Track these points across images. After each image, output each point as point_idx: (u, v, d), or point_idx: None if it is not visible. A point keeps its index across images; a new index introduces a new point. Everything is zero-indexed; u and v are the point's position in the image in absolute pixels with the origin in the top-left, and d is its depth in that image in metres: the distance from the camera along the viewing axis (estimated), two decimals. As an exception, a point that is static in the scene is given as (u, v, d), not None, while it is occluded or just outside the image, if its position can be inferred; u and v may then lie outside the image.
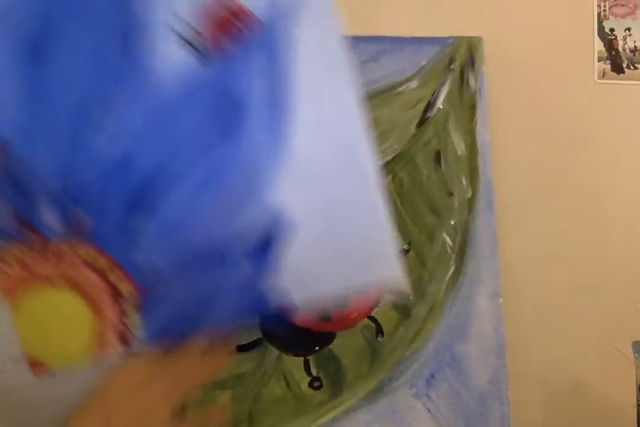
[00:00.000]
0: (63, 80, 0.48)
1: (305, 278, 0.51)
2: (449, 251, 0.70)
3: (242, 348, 0.69)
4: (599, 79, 0.74)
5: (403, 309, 0.70)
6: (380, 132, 0.71)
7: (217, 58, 0.48)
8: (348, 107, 0.50)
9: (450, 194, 0.70)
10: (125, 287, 0.50)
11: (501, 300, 0.66)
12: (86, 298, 0.51)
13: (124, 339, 0.50)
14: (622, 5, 0.75)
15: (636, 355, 0.68)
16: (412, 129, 0.70)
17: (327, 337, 0.69)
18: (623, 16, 0.75)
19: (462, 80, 0.70)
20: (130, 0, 0.47)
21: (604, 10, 0.75)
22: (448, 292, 0.70)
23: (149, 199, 0.49)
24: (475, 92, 0.70)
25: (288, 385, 0.71)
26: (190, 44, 0.48)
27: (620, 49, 0.75)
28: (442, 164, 0.71)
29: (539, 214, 0.71)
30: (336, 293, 0.52)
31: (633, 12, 0.75)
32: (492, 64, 0.67)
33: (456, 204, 0.70)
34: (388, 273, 0.51)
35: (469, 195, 0.70)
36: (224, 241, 0.50)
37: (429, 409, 0.69)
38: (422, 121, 0.70)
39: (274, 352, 0.68)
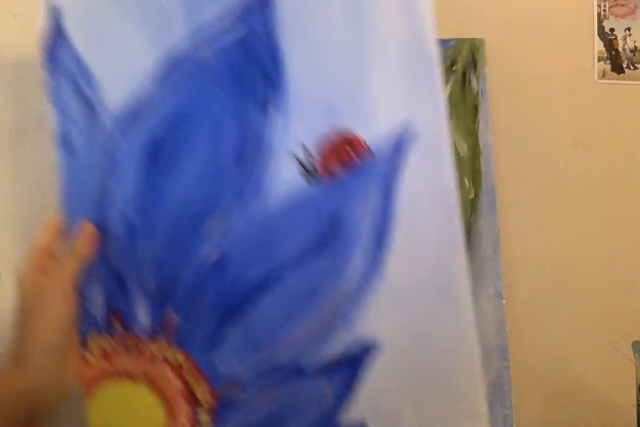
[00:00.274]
0: (179, 184, 0.51)
1: (386, 413, 0.51)
2: (452, 252, 0.70)
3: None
4: (599, 79, 0.74)
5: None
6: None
7: (326, 181, 0.50)
8: (448, 239, 0.50)
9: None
10: (201, 390, 0.51)
11: (504, 301, 0.66)
12: (162, 397, 0.52)
13: (192, 443, 0.52)
14: (622, 5, 0.75)
15: (636, 355, 0.68)
16: (415, 130, 0.70)
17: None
18: (623, 16, 0.75)
19: (465, 81, 0.70)
20: (256, 124, 0.50)
21: (604, 10, 0.75)
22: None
23: (239, 305, 0.51)
24: (477, 93, 0.70)
25: None
26: (303, 165, 0.51)
27: (620, 49, 0.75)
28: (445, 165, 0.71)
29: (541, 214, 0.71)
30: None
31: (633, 12, 0.75)
32: (494, 65, 0.67)
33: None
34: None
35: (472, 196, 0.70)
36: (307, 356, 0.50)
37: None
38: (425, 122, 0.70)
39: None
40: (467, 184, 0.69)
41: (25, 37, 0.65)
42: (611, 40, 0.75)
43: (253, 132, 0.50)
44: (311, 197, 0.50)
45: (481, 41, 0.70)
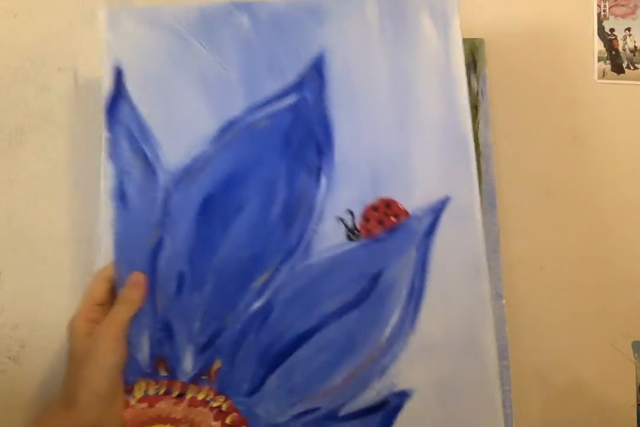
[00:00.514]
0: (229, 240, 0.55)
1: None
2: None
3: None
4: (599, 79, 0.74)
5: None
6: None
7: (366, 241, 0.56)
8: (477, 299, 0.55)
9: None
10: None
11: (504, 301, 0.66)
12: None
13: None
14: (622, 5, 0.75)
15: (636, 355, 0.68)
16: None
17: None
18: (623, 16, 0.75)
19: (465, 81, 0.70)
20: (305, 187, 0.56)
21: (604, 10, 0.75)
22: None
23: (280, 354, 0.55)
24: (477, 93, 0.70)
25: None
26: (346, 226, 0.56)
27: (620, 49, 0.74)
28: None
29: (541, 214, 0.71)
30: None
31: (633, 12, 0.75)
32: (494, 65, 0.67)
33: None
34: None
35: (472, 196, 0.70)
36: (341, 402, 0.54)
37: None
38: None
39: None
40: (467, 185, 0.69)
41: (26, 37, 0.65)
42: (611, 40, 0.74)
43: (301, 194, 0.55)
44: (352, 255, 0.55)
45: (481, 41, 0.70)
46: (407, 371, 0.54)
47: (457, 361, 0.55)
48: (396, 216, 0.56)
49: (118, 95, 0.55)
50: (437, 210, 0.56)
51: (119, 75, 0.55)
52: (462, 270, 0.55)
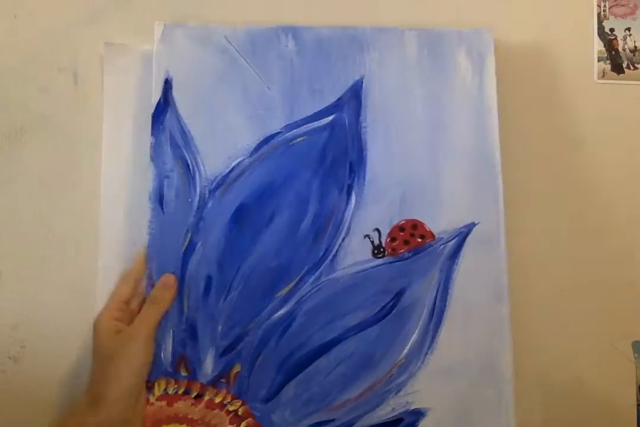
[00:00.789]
0: (259, 249, 0.57)
1: None
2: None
3: None
4: (599, 79, 0.74)
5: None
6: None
7: (392, 259, 0.58)
8: (497, 324, 0.59)
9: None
10: None
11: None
12: None
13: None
14: (622, 5, 0.75)
15: (636, 355, 0.69)
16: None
17: None
18: (623, 16, 0.75)
19: (465, 81, 0.71)
20: (336, 203, 0.58)
21: (604, 10, 0.75)
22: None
23: (300, 364, 0.56)
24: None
25: None
26: (373, 244, 0.58)
27: (620, 49, 0.74)
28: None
29: (541, 214, 0.71)
30: None
31: (633, 12, 0.75)
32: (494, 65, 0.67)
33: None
34: None
35: (472, 196, 0.71)
36: (357, 415, 0.56)
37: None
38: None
39: None
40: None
41: (26, 37, 0.66)
42: (611, 40, 0.74)
43: (331, 209, 0.58)
44: (377, 271, 0.58)
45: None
46: (423, 389, 0.56)
47: (474, 383, 0.57)
48: (422, 237, 0.58)
49: (165, 104, 0.58)
50: (462, 235, 0.59)
51: (167, 86, 0.58)
52: (483, 294, 0.58)
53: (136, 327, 0.53)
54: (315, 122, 0.59)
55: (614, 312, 0.71)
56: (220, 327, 0.56)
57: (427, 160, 0.60)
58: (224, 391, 0.56)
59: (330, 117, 0.59)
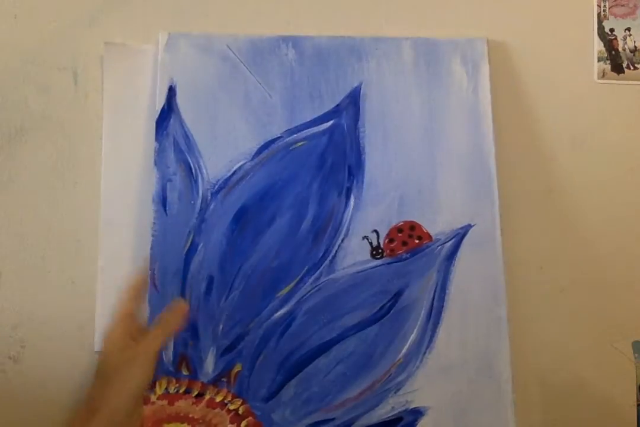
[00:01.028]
0: (260, 250, 0.58)
1: None
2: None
3: None
4: (599, 79, 0.74)
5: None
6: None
7: (388, 258, 0.59)
8: (495, 324, 0.59)
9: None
10: None
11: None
12: None
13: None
14: (622, 5, 0.75)
15: (636, 355, 0.69)
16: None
17: None
18: (623, 16, 0.75)
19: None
20: (335, 205, 0.59)
21: (604, 10, 0.75)
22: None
23: (299, 363, 0.57)
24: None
25: None
26: (371, 245, 0.59)
27: (620, 49, 0.74)
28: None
29: (541, 214, 0.71)
30: None
31: (633, 12, 0.75)
32: (494, 65, 0.67)
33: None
34: None
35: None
36: (356, 414, 0.57)
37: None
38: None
39: None
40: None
41: (26, 37, 0.65)
42: (611, 40, 0.74)
43: (331, 211, 0.59)
44: (375, 272, 0.58)
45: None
46: (422, 389, 0.57)
47: (472, 382, 0.58)
48: (420, 238, 0.59)
49: (169, 111, 0.59)
50: (459, 236, 0.60)
51: (171, 92, 0.60)
52: (481, 294, 0.59)
53: (140, 351, 0.52)
54: (315, 128, 0.60)
55: (614, 312, 0.71)
56: (221, 327, 0.57)
57: (424, 164, 0.61)
58: (224, 390, 0.56)
59: (329, 123, 0.60)
